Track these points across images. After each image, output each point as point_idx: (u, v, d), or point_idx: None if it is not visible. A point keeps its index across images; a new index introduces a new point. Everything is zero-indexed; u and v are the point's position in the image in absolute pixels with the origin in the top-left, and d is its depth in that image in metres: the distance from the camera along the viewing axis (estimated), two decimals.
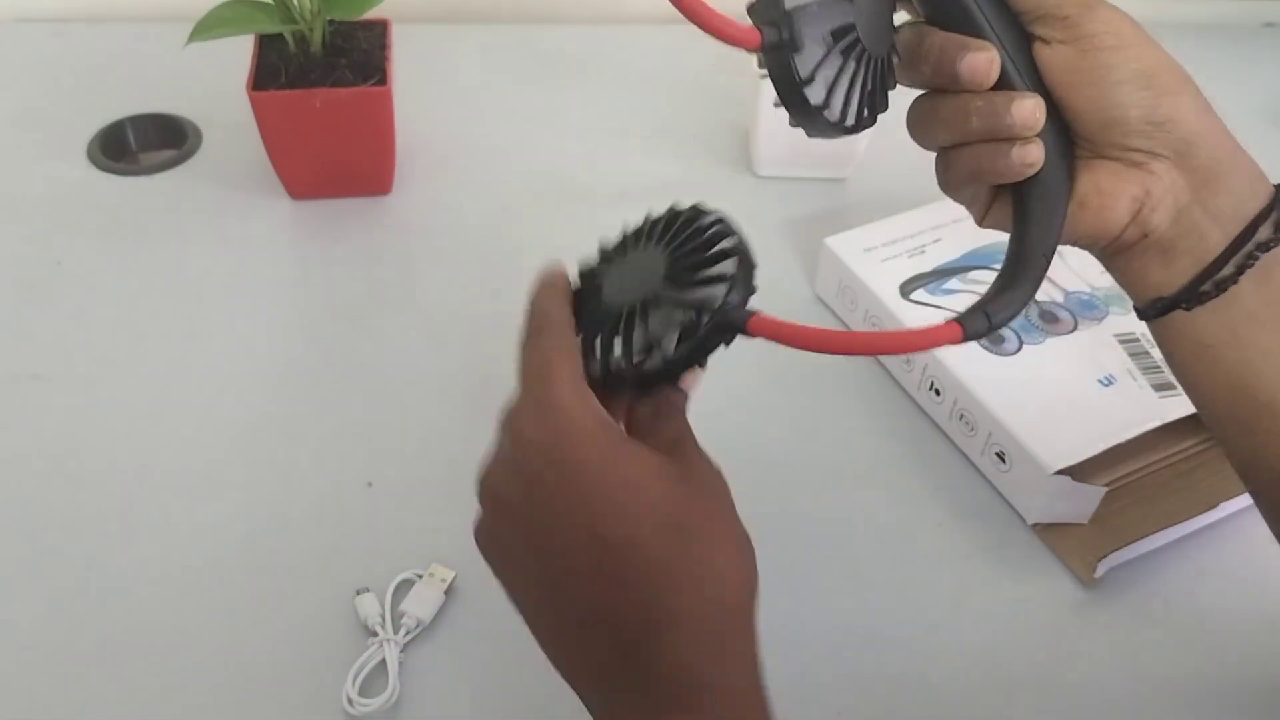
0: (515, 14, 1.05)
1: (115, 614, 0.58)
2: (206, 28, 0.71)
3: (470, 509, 0.64)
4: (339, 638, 0.57)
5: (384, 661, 0.56)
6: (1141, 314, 0.47)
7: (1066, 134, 0.43)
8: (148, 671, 0.56)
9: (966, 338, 0.40)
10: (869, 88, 0.42)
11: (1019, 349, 0.68)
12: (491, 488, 0.42)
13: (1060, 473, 0.61)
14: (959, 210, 0.77)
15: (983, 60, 0.41)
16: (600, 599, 0.39)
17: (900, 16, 0.45)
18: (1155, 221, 0.43)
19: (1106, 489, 0.62)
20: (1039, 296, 0.70)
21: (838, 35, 0.41)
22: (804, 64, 0.40)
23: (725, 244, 0.42)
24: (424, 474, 0.66)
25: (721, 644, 0.39)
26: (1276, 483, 0.46)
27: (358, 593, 0.58)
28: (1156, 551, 0.63)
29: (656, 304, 0.41)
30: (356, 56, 0.79)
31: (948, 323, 0.41)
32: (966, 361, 0.67)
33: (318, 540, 0.62)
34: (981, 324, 0.41)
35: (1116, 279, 0.47)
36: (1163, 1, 1.09)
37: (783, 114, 0.87)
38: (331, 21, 0.77)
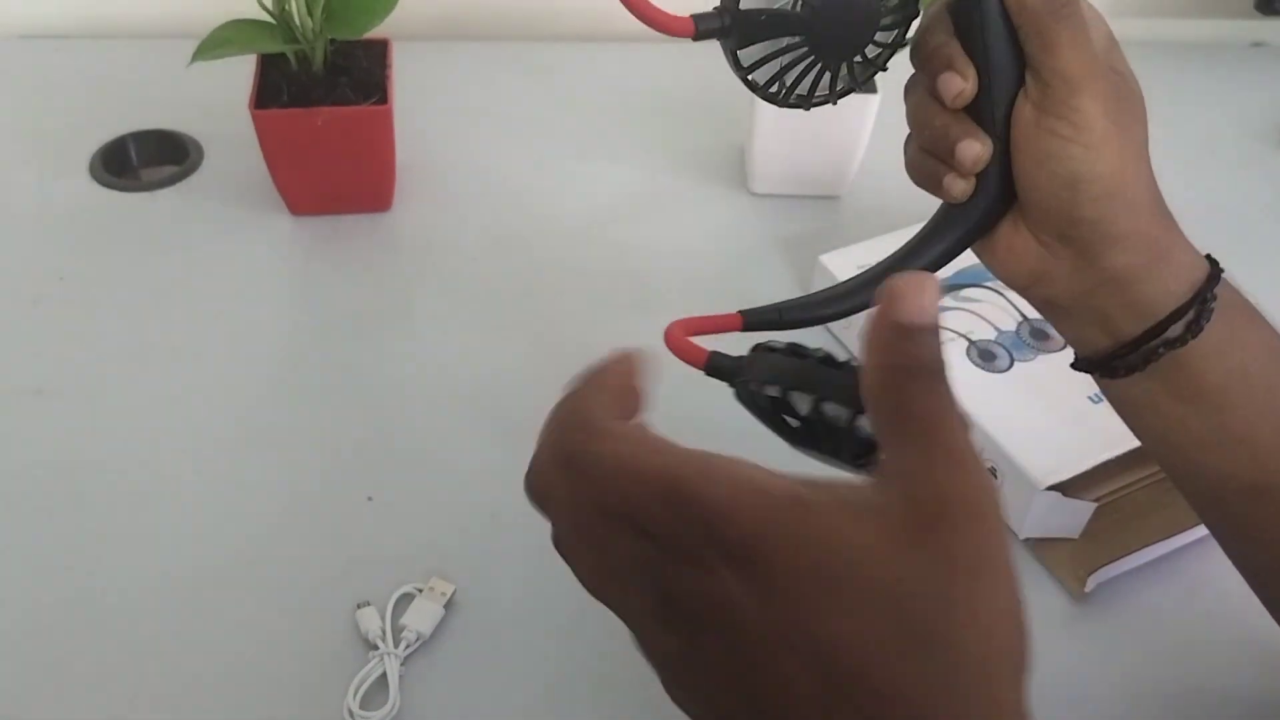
0: (514, 32, 1.06)
1: (117, 627, 0.59)
2: (210, 47, 0.72)
3: (468, 523, 0.65)
4: (340, 651, 0.58)
5: (385, 675, 0.56)
6: (1073, 362, 0.48)
7: (1010, 180, 0.43)
8: (150, 684, 0.57)
9: (745, 328, 0.43)
10: (828, 75, 0.42)
11: (1010, 366, 0.69)
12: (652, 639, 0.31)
13: (1051, 488, 0.62)
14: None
15: (955, 85, 0.41)
16: None
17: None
18: (1054, 294, 0.44)
19: (1097, 504, 0.63)
20: (1029, 314, 0.72)
21: (789, 30, 0.40)
22: (747, 55, 0.41)
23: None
24: (424, 488, 0.66)
25: None
26: (1219, 530, 0.48)
27: (358, 606, 0.59)
28: (1146, 566, 0.64)
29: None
30: (357, 75, 0.80)
31: (737, 312, 0.43)
32: (959, 378, 0.67)
33: (319, 554, 0.63)
34: (770, 316, 0.44)
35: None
36: (1153, 21, 1.11)
37: (779, 133, 0.88)
38: (333, 41, 0.78)
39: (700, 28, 0.39)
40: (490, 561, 0.62)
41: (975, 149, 0.42)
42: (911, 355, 0.29)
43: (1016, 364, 0.69)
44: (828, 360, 0.38)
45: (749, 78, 0.41)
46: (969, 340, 0.70)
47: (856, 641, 0.27)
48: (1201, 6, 1.11)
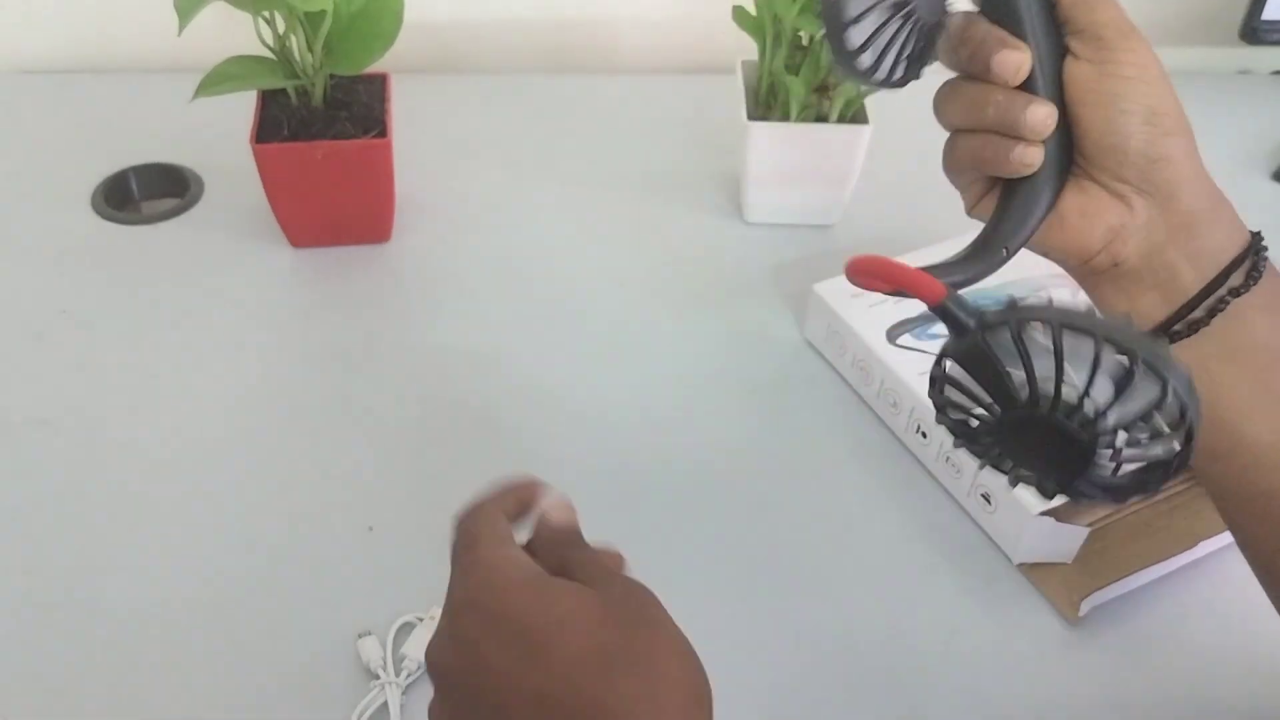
0: (511, 65, 1.08)
1: (119, 656, 0.59)
2: (212, 83, 0.73)
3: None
4: (341, 680, 0.58)
5: (386, 704, 0.57)
6: None
7: (1069, 150, 0.45)
8: (152, 713, 0.57)
9: (938, 305, 0.40)
10: (908, 50, 0.45)
11: None
12: (435, 661, 0.41)
13: (1044, 514, 0.63)
14: (940, 257, 0.79)
15: (1015, 59, 0.43)
16: None
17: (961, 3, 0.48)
18: (1126, 254, 0.45)
19: (1089, 529, 0.64)
20: None
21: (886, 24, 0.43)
22: (850, 7, 0.43)
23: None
24: (424, 517, 0.67)
25: None
26: (1245, 509, 0.48)
27: (360, 636, 0.59)
28: (1139, 590, 0.65)
29: None
30: (357, 109, 0.81)
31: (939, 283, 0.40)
32: None
33: (320, 584, 0.63)
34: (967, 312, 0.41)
35: (1091, 300, 0.49)
36: None
37: (772, 163, 0.90)
38: (333, 76, 0.79)
39: None
40: None
41: (1043, 110, 0.44)
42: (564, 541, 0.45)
43: None
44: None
45: (853, 57, 0.44)
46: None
47: (564, 671, 0.38)
48: (1188, 34, 1.13)
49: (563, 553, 0.44)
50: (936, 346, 0.72)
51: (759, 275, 0.85)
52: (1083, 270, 0.48)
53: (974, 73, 0.45)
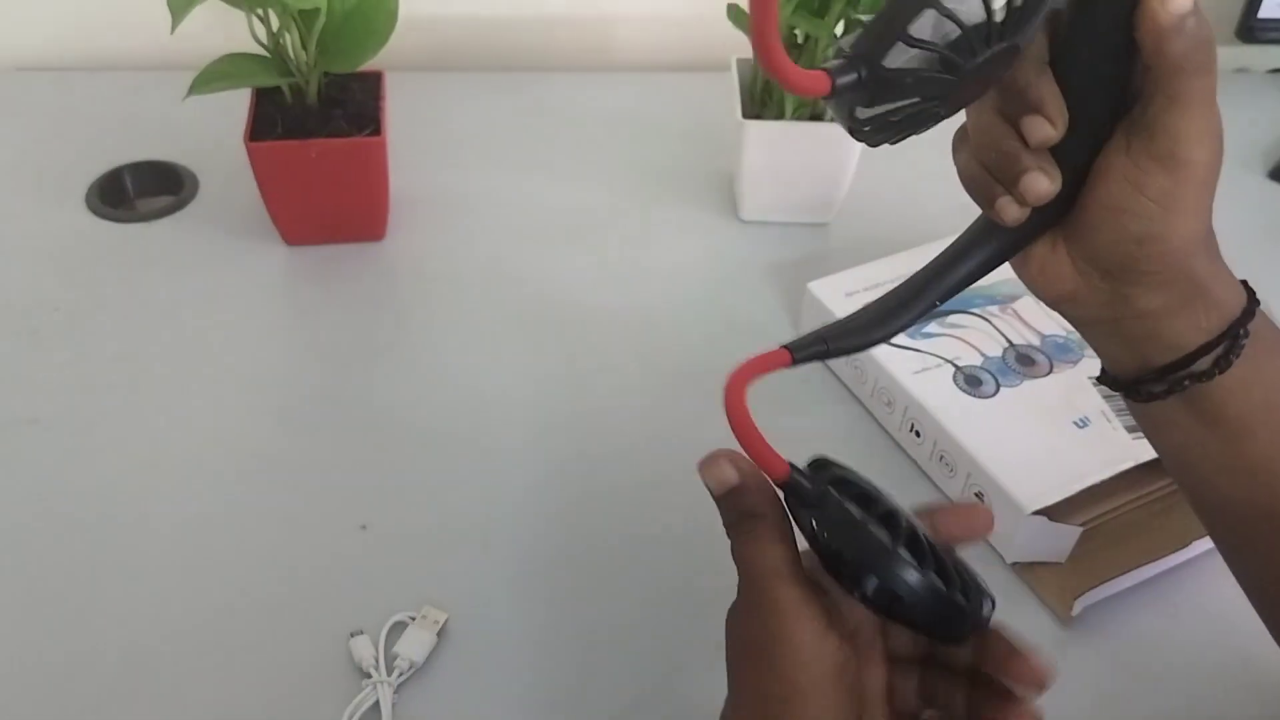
0: (506, 62, 1.08)
1: (111, 656, 0.59)
2: (205, 81, 0.73)
3: (460, 552, 0.65)
4: (333, 679, 0.58)
5: (378, 703, 0.57)
6: (1098, 377, 0.48)
7: (1060, 212, 0.42)
8: (144, 714, 0.57)
9: (795, 362, 0.41)
10: (919, 129, 0.39)
11: (996, 391, 0.70)
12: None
13: (1037, 513, 0.63)
14: (934, 253, 0.79)
15: (1044, 131, 0.39)
16: None
17: None
18: (1084, 315, 0.44)
19: (1082, 529, 0.64)
20: (1015, 340, 0.73)
21: (920, 97, 0.37)
22: (864, 112, 0.37)
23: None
24: (417, 517, 0.67)
25: None
26: (1224, 541, 0.49)
27: (352, 635, 0.59)
28: (1132, 589, 0.65)
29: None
30: (351, 107, 0.81)
31: (779, 349, 0.41)
32: (946, 403, 0.69)
33: (312, 582, 0.63)
34: (818, 348, 0.42)
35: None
36: None
37: (767, 161, 0.89)
38: (327, 73, 0.79)
39: (837, 82, 0.35)
40: (482, 590, 0.63)
41: (1044, 185, 0.39)
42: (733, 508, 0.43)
43: (1003, 389, 0.70)
44: (890, 518, 0.40)
45: (864, 130, 0.38)
46: (955, 366, 0.71)
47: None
48: None
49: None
50: (931, 346, 0.72)
51: (754, 273, 0.85)
52: (1052, 309, 0.46)
53: (1003, 111, 0.40)
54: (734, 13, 0.83)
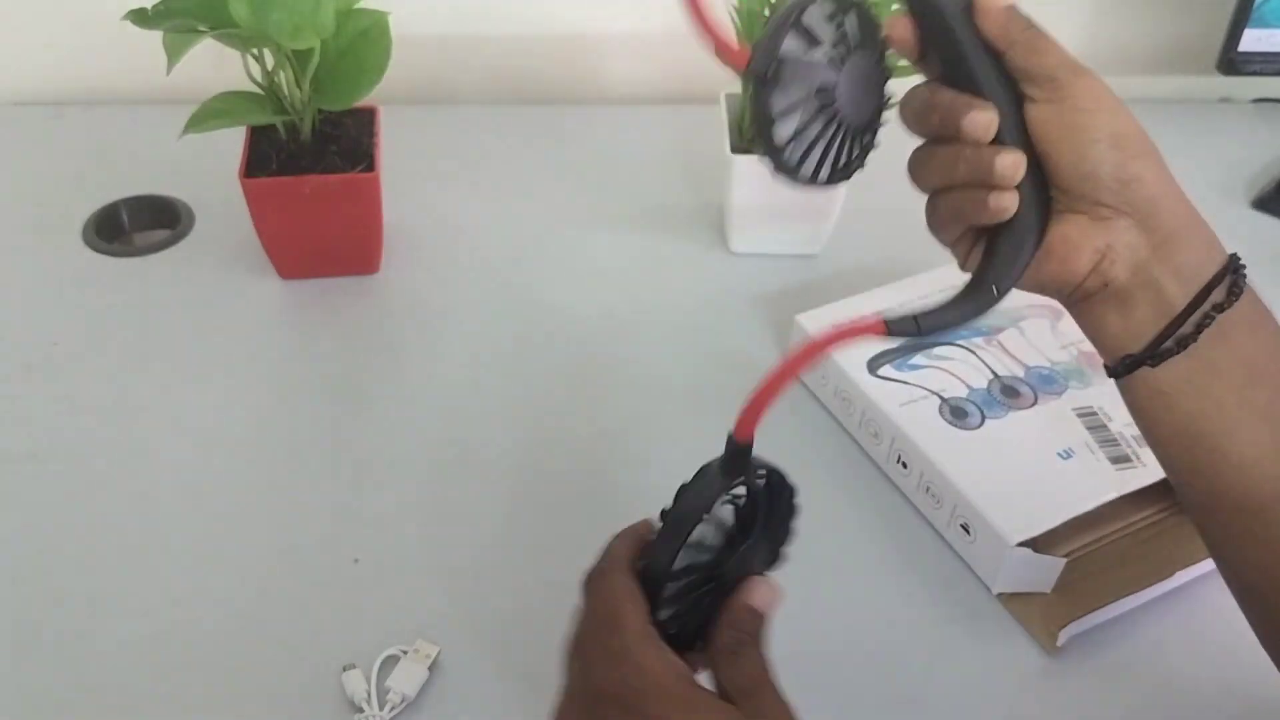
0: (499, 96, 1.09)
1: (107, 690, 0.60)
2: (201, 119, 0.74)
3: (452, 585, 0.66)
4: (326, 714, 0.59)
5: None
6: (1111, 371, 0.50)
7: (1045, 189, 0.47)
8: None
9: (890, 333, 0.45)
10: (834, 152, 0.47)
11: (982, 423, 0.71)
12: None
13: (1022, 544, 0.63)
14: (925, 288, 0.80)
15: (983, 119, 0.46)
16: None
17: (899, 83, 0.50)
18: (1115, 273, 0.47)
19: (1067, 559, 0.64)
20: (1000, 371, 0.74)
21: (818, 92, 0.45)
22: (778, 103, 0.45)
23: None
24: (409, 550, 0.68)
25: None
26: (1226, 527, 0.49)
27: (344, 669, 0.60)
28: (1116, 619, 0.65)
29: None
30: (345, 143, 0.82)
31: (875, 319, 0.45)
32: (932, 435, 0.69)
33: (305, 616, 0.64)
34: (909, 326, 0.45)
35: (1082, 329, 0.50)
36: (1125, 76, 1.14)
37: (756, 194, 0.90)
38: (321, 110, 0.80)
39: (752, 65, 0.44)
40: (474, 624, 0.63)
41: (1010, 157, 0.46)
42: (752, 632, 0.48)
43: (988, 421, 0.71)
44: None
45: (780, 152, 0.46)
46: (941, 398, 0.72)
47: None
48: (1170, 63, 1.15)
49: (738, 643, 0.48)
50: (917, 377, 0.73)
51: (743, 304, 0.86)
52: (1074, 296, 0.49)
53: (945, 136, 0.47)
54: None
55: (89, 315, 0.82)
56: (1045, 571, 0.65)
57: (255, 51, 0.75)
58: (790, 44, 0.44)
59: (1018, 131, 0.46)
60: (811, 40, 0.45)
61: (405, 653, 0.61)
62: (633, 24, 1.06)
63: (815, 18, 0.45)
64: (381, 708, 0.58)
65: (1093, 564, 0.66)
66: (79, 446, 0.73)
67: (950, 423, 0.71)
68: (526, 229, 0.92)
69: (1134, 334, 0.48)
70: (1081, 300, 0.49)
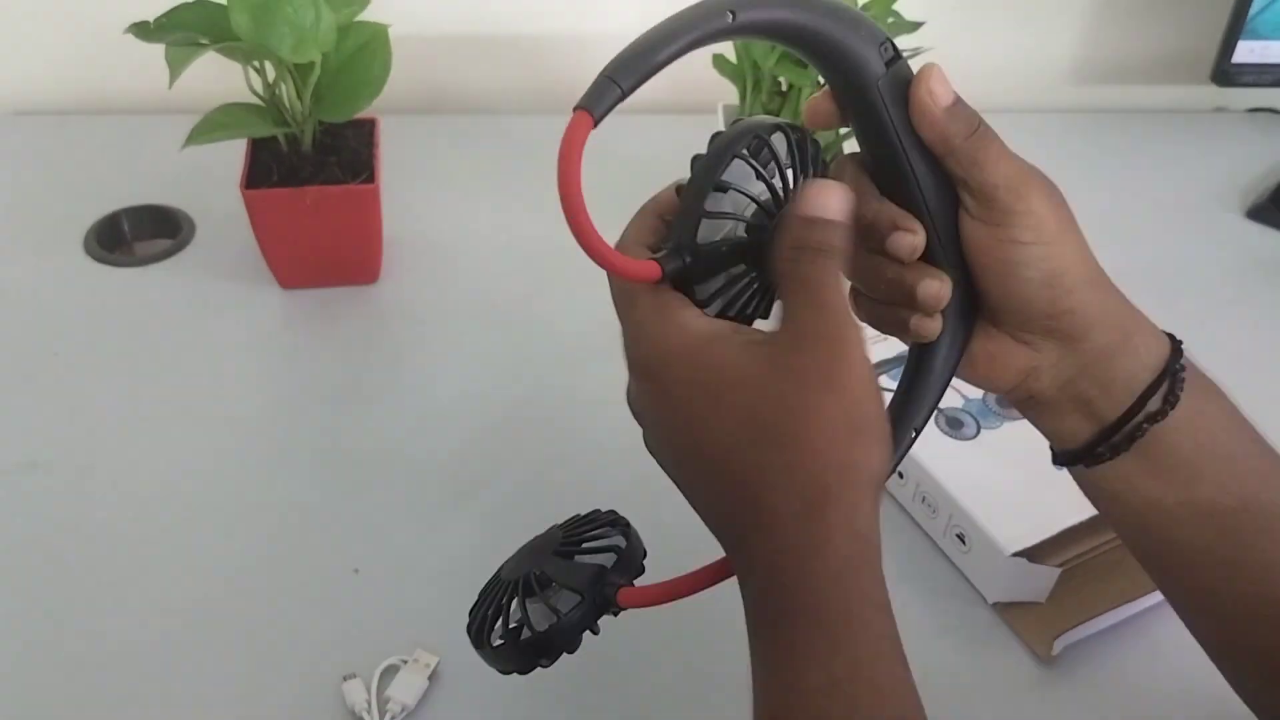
0: (497, 106, 1.10)
1: (106, 698, 0.60)
2: (203, 131, 0.75)
3: (452, 595, 0.66)
4: None
5: None
6: (1053, 458, 0.49)
7: (972, 302, 0.44)
8: None
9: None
10: (755, 307, 0.44)
11: (977, 433, 0.71)
12: (632, 405, 0.45)
13: (1017, 554, 0.64)
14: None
15: (909, 241, 0.43)
16: (711, 497, 0.41)
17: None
18: (1039, 389, 0.46)
19: (1061, 569, 0.65)
20: None
21: (735, 278, 0.42)
22: (703, 291, 0.42)
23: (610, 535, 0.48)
24: (409, 560, 0.68)
25: (809, 548, 0.38)
26: (1182, 602, 0.50)
27: (345, 679, 0.60)
28: (1111, 628, 0.66)
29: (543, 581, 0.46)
30: (345, 154, 0.82)
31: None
32: (927, 445, 0.70)
33: (305, 626, 0.64)
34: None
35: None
36: (1118, 88, 1.15)
37: None
38: (322, 121, 0.81)
39: (666, 269, 0.41)
40: None
41: (935, 287, 0.43)
42: (806, 238, 0.40)
43: (983, 431, 0.71)
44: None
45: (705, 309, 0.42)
46: (936, 408, 0.72)
47: (719, 438, 0.39)
48: (1165, 74, 1.15)
49: (792, 259, 0.40)
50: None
51: None
52: (1011, 396, 0.48)
53: (868, 247, 0.44)
54: (719, 62, 0.85)
55: (90, 324, 0.83)
56: (1040, 581, 0.65)
57: (256, 64, 0.76)
58: (705, 231, 0.41)
59: (950, 242, 0.43)
60: (728, 216, 0.41)
61: (405, 662, 0.61)
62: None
63: (735, 181, 0.41)
64: (381, 717, 0.59)
65: (1087, 574, 0.67)
66: (80, 455, 0.73)
67: (946, 433, 0.71)
68: (525, 239, 0.93)
69: (1068, 437, 0.47)
70: (1013, 402, 0.48)
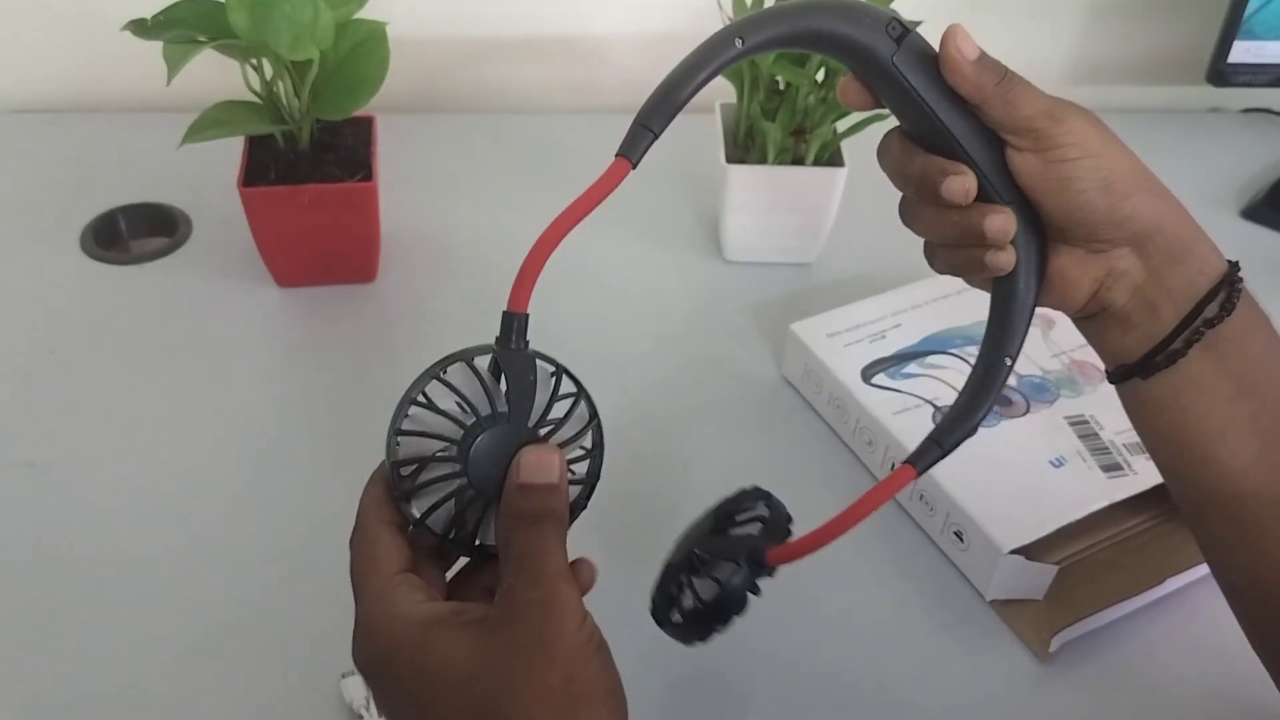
0: (495, 104, 1.10)
1: (105, 693, 0.60)
2: (200, 129, 0.75)
3: None
4: None
5: None
6: (1108, 377, 0.51)
7: (1040, 231, 0.47)
8: None
9: (920, 473, 0.47)
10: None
11: (974, 432, 0.71)
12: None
13: (1014, 552, 0.64)
14: (918, 296, 0.81)
15: (960, 185, 0.46)
16: None
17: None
18: (1112, 298, 0.48)
19: (1058, 567, 0.65)
20: None
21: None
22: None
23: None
24: None
25: None
26: (1216, 528, 0.50)
27: (343, 675, 0.60)
28: (1108, 626, 0.66)
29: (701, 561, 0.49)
30: (343, 153, 0.82)
31: (903, 466, 0.47)
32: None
33: (304, 622, 0.64)
34: (934, 454, 0.47)
35: (1084, 337, 0.51)
36: (1112, 88, 1.15)
37: (751, 203, 0.91)
38: (319, 120, 0.81)
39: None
40: None
41: (999, 220, 0.46)
42: (520, 507, 0.43)
43: (980, 429, 0.71)
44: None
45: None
46: (934, 406, 0.73)
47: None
48: (1161, 74, 1.16)
49: (508, 529, 0.43)
50: (911, 386, 0.74)
51: (738, 313, 0.87)
52: (1074, 316, 0.50)
53: (926, 201, 0.48)
54: None
55: (86, 323, 0.83)
56: (1038, 578, 0.65)
57: (254, 62, 0.76)
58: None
59: (1003, 182, 0.46)
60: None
61: None
62: (629, 35, 1.07)
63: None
64: (380, 714, 0.59)
65: (1084, 571, 0.67)
66: (77, 454, 0.73)
67: None
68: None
69: (1129, 348, 0.49)
70: (1081, 319, 0.50)
